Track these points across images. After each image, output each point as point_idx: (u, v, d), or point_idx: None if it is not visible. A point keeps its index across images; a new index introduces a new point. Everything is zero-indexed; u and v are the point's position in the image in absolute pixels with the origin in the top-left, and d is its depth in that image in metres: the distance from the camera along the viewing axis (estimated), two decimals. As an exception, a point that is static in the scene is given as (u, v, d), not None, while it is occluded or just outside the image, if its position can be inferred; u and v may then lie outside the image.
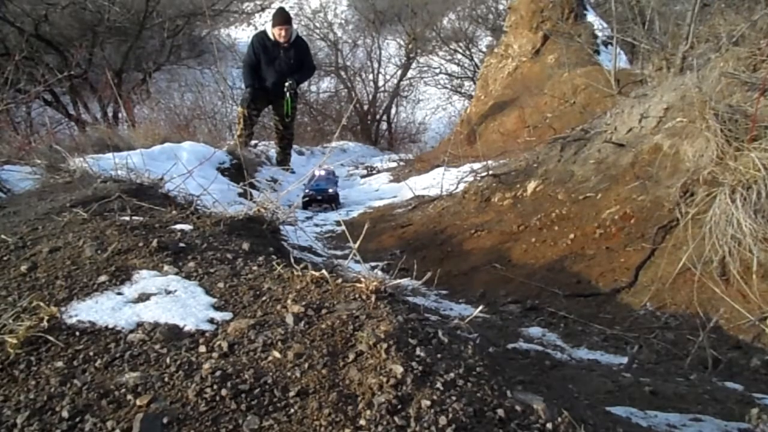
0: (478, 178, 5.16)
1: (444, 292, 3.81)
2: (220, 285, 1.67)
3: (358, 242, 1.86)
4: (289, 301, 1.52)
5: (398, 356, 1.26)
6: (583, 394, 1.82)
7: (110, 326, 1.42)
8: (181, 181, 2.76)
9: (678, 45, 5.33)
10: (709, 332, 2.50)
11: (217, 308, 1.53)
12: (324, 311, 1.47)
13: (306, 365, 1.25)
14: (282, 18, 6.59)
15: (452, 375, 1.24)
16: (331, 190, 6.70)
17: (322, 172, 7.13)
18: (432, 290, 3.75)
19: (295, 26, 7.02)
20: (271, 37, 6.58)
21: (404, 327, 1.37)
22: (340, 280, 1.63)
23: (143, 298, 1.56)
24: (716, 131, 3.09)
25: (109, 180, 2.70)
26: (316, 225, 5.99)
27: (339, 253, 4.60)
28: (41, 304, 1.47)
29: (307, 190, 6.56)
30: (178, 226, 2.15)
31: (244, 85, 6.94)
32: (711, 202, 3.01)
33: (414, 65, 17.78)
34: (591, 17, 8.85)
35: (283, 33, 6.55)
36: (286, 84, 6.60)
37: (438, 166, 6.88)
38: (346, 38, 17.82)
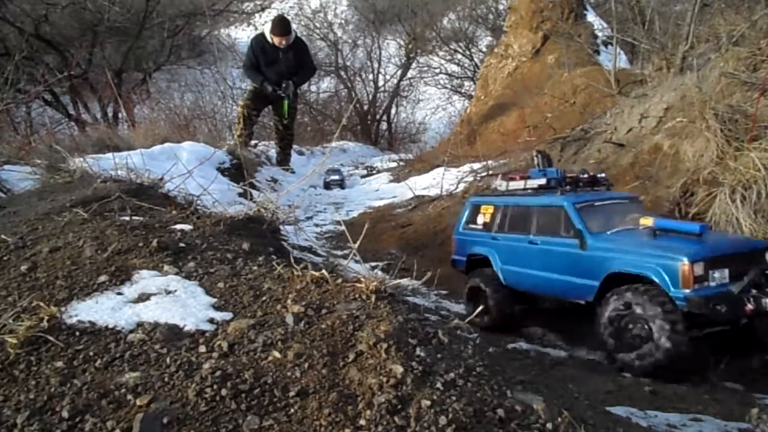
0: (478, 178, 5.16)
1: (444, 292, 3.81)
2: (220, 285, 1.67)
3: (358, 242, 1.86)
4: (289, 301, 1.52)
5: (398, 356, 1.26)
6: (583, 394, 1.82)
7: (110, 326, 1.42)
8: (181, 181, 2.76)
9: (678, 45, 5.34)
10: (709, 332, 2.50)
11: (217, 308, 1.53)
12: (324, 311, 1.47)
13: (306, 365, 1.25)
14: (282, 29, 6.54)
15: (452, 375, 1.24)
16: None
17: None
18: (432, 290, 3.74)
19: (294, 26, 6.98)
20: (270, 40, 6.57)
21: (404, 327, 1.37)
22: (340, 280, 1.63)
23: (143, 298, 1.56)
24: (716, 131, 3.09)
25: (109, 180, 2.69)
26: (316, 225, 5.99)
27: (339, 253, 4.60)
28: (41, 304, 1.47)
29: None
30: (178, 226, 2.15)
31: (253, 82, 6.83)
32: (711, 202, 3.01)
33: (414, 65, 17.79)
34: (591, 17, 8.86)
35: (283, 42, 6.54)
36: (283, 86, 6.57)
37: (438, 166, 6.87)
38: (346, 38, 17.83)
